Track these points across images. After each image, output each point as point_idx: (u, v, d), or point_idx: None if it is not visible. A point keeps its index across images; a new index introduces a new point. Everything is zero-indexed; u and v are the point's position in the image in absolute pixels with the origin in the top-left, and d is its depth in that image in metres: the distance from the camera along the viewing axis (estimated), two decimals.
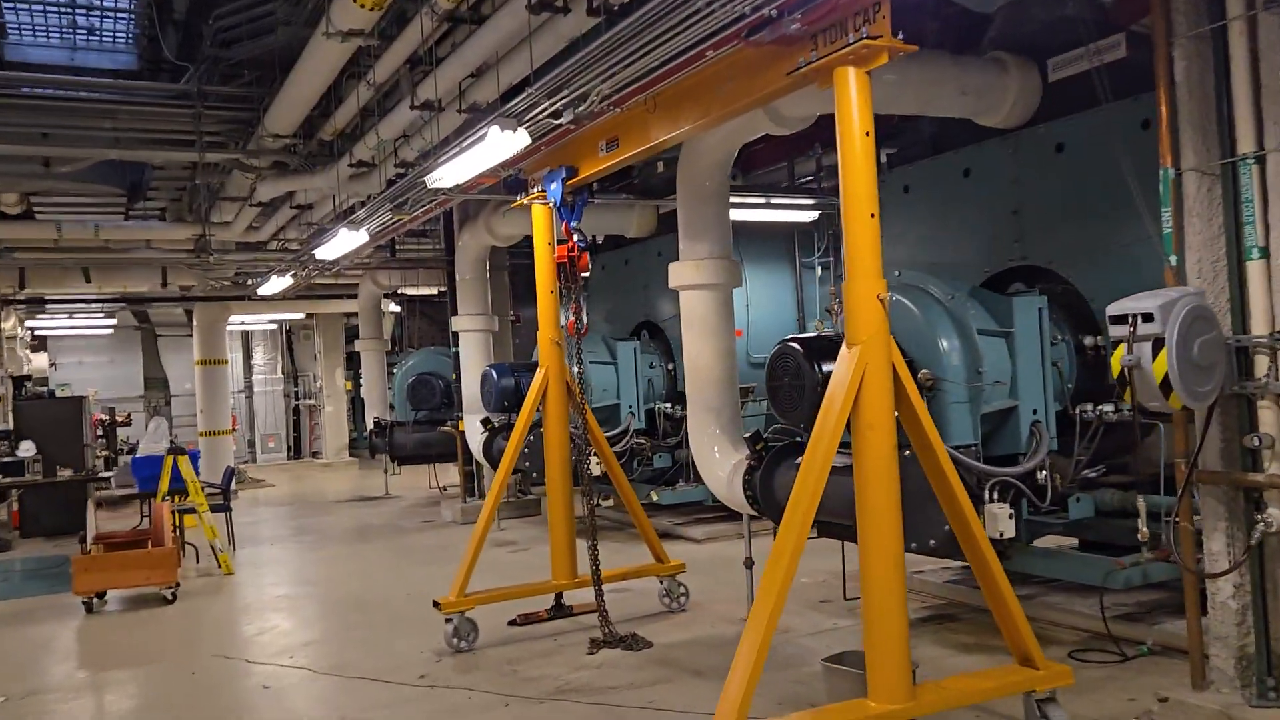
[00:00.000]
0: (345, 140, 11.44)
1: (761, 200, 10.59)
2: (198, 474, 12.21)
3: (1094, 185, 6.92)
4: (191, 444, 20.99)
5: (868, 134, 4.64)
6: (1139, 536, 4.80)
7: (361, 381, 29.13)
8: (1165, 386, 4.28)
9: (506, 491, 13.55)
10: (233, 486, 13.50)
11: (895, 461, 4.58)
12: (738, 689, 4.18)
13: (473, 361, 13.08)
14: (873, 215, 4.62)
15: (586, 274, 7.44)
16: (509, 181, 8.49)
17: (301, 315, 22.76)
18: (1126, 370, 4.35)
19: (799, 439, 7.15)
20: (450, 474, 17.64)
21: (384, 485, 17.81)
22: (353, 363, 25.23)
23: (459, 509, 13.77)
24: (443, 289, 17.23)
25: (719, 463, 7.75)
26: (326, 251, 11.17)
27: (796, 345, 6.40)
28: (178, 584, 9.76)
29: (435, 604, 7.38)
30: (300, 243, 14.80)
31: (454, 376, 14.26)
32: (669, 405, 11.89)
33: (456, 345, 13.96)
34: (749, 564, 7.81)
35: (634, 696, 6.12)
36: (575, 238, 7.42)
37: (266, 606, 9.41)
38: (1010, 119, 7.35)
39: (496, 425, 12.38)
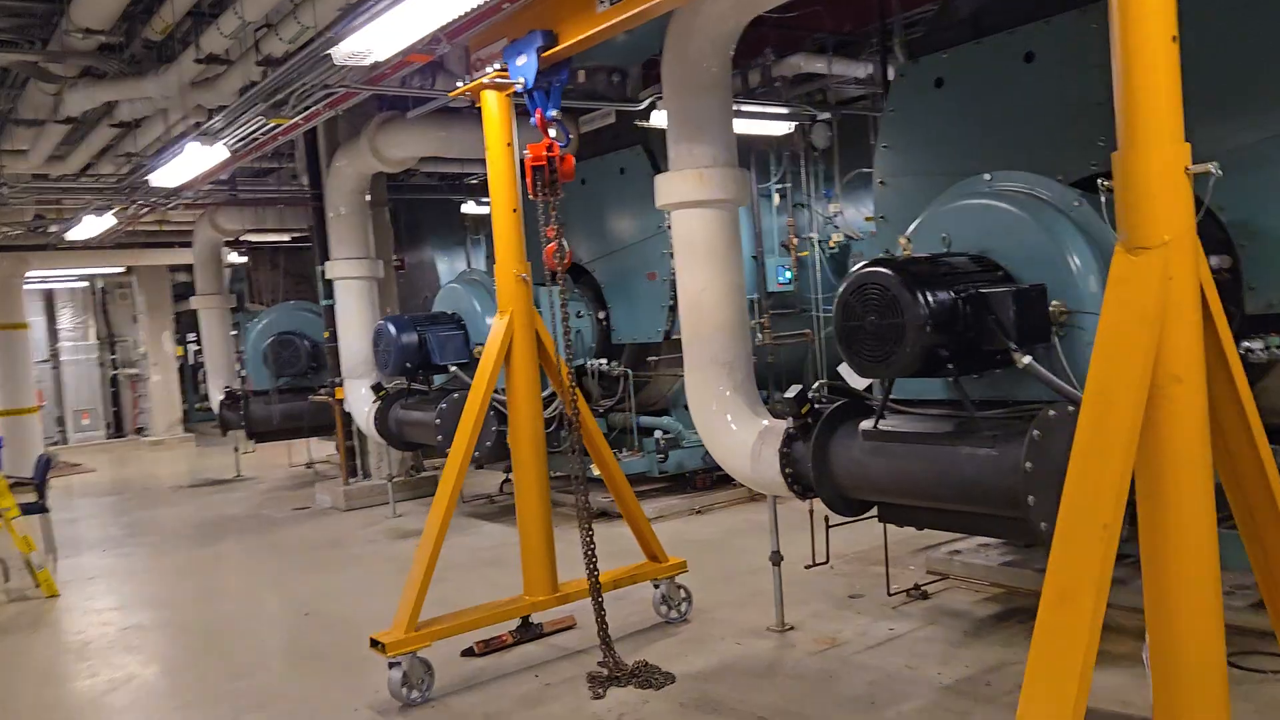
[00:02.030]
0: (176, 45, 8.91)
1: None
2: (0, 466, 9.52)
3: (1233, 60, 5.46)
4: None
5: None
6: None
7: (200, 345, 25.80)
8: None
9: (400, 469, 11.44)
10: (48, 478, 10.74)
11: (1207, 430, 2.92)
12: None
13: (354, 315, 10.80)
14: (1174, 39, 2.90)
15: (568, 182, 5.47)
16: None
17: (119, 269, 19.40)
18: None
19: (866, 399, 5.47)
20: (314, 449, 15.28)
21: (235, 465, 15.18)
22: (183, 324, 21.99)
23: (340, 492, 11.50)
24: (297, 233, 14.64)
25: (736, 434, 5.99)
26: (167, 175, 8.63)
27: (889, 271, 4.69)
28: None
29: (375, 644, 5.32)
30: (120, 178, 11.92)
31: (325, 334, 11.89)
32: (603, 361, 10.03)
33: (328, 297, 11.60)
34: (777, 559, 6.10)
35: None
36: (552, 133, 5.45)
37: (111, 643, 7.05)
38: None
39: (392, 392, 10.20)
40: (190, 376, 24.98)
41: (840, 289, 4.97)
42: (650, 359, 10.03)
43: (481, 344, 9.48)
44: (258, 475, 14.99)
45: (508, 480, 11.69)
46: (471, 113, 10.76)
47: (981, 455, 4.65)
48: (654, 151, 9.66)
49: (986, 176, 5.38)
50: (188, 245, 16.38)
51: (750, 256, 10.04)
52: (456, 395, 9.16)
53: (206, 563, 9.49)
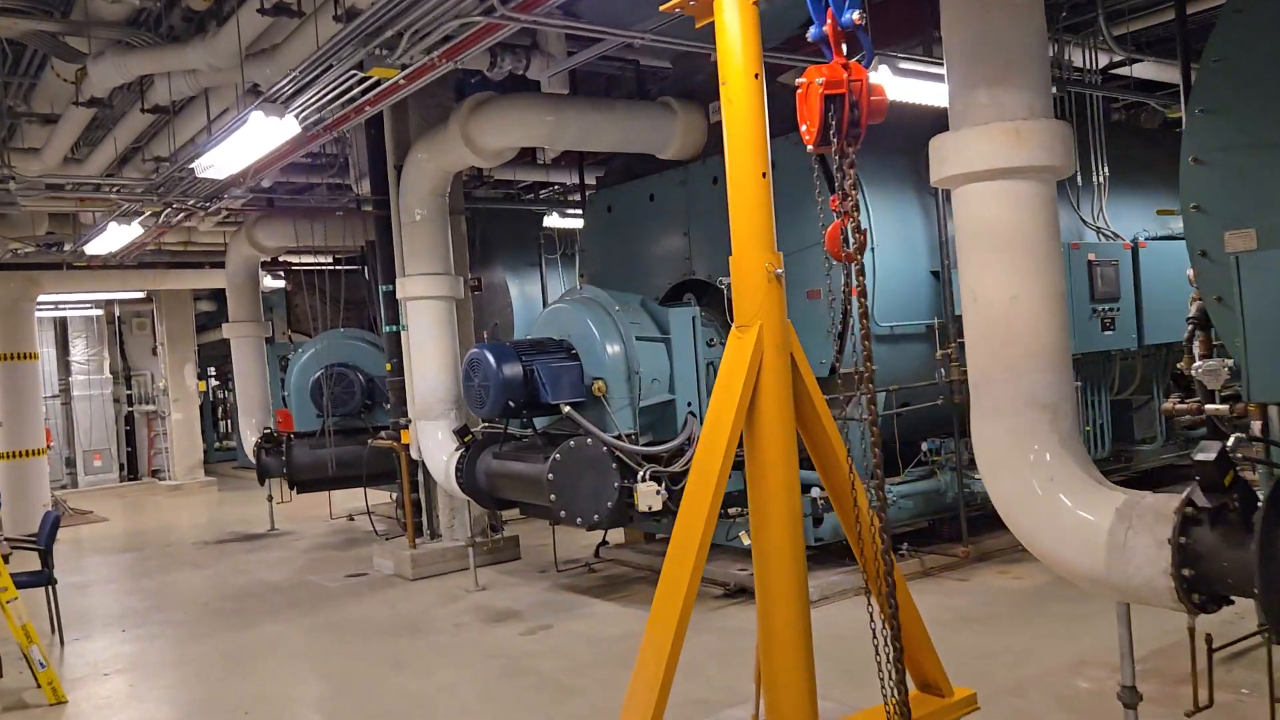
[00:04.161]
0: (223, 13, 7.16)
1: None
2: None
3: None
4: None
5: None
6: None
7: (221, 380, 24.00)
8: None
9: (474, 529, 9.48)
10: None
11: None
12: None
13: (431, 343, 8.94)
14: None
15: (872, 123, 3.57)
16: None
17: (139, 294, 17.57)
18: None
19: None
20: (355, 499, 13.33)
21: (268, 517, 13.23)
22: (205, 357, 20.17)
23: (406, 557, 9.51)
24: (342, 254, 12.82)
25: (1076, 513, 4.03)
26: (220, 159, 6.76)
27: None
28: None
29: None
30: (151, 175, 10.07)
31: (388, 367, 10.01)
32: None
33: (392, 322, 9.74)
34: (1132, 699, 4.11)
35: None
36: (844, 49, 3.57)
37: None
38: None
39: (480, 437, 8.28)
40: (209, 414, 23.17)
41: None
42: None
43: (600, 378, 7.61)
44: (294, 529, 13.05)
45: (604, 544, 9.73)
46: (582, 97, 8.98)
47: None
48: None
49: None
50: (217, 266, 14.63)
51: (929, 272, 8.13)
52: (573, 443, 7.25)
53: (253, 653, 7.50)
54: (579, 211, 11.42)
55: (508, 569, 9.56)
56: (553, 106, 7.98)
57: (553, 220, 11.98)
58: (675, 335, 7.82)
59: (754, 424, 3.85)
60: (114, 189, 9.58)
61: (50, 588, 7.98)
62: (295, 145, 6.91)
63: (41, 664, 6.45)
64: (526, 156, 11.79)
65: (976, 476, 8.56)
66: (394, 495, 12.65)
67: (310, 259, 13.81)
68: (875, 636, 3.65)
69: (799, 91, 3.58)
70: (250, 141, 6.27)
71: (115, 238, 10.25)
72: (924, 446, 8.33)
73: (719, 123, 9.06)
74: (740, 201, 3.87)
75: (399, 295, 9.05)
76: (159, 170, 10.19)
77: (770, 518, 3.85)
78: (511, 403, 7.45)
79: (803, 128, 3.61)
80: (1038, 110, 4.21)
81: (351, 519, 13.35)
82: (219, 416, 25.63)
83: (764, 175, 3.86)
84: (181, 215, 9.71)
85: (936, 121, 7.27)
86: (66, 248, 13.66)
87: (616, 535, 9.86)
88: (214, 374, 23.94)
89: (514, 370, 7.43)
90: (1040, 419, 4.19)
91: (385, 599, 8.81)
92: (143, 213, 9.44)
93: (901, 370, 8.01)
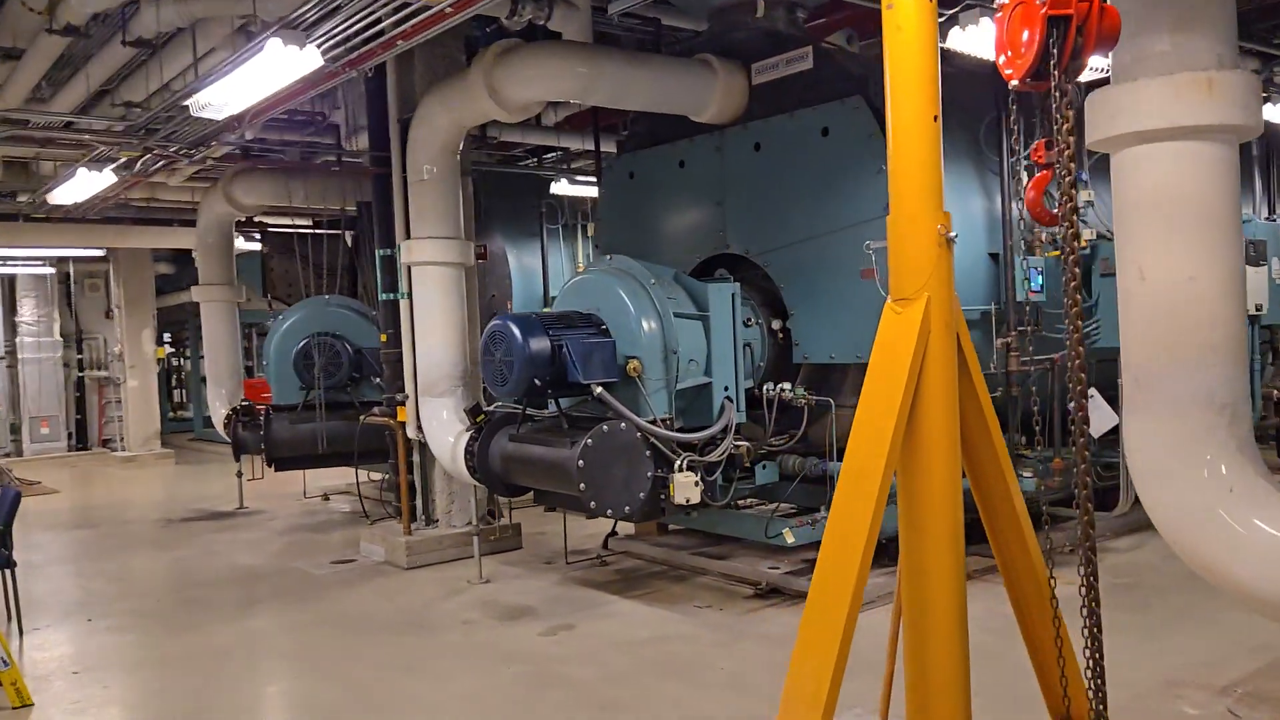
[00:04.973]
0: None
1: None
2: None
3: None
4: None
5: None
6: None
7: (188, 347, 22.79)
8: None
9: (472, 516, 8.78)
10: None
11: None
12: None
13: (438, 314, 8.22)
14: None
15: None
16: None
17: (97, 252, 16.44)
18: None
19: None
20: (324, 478, 12.63)
21: (236, 493, 12.37)
22: (161, 322, 19.06)
23: (400, 544, 8.78)
24: (320, 216, 11.94)
25: (1265, 532, 3.48)
26: (219, 97, 5.93)
27: None
28: None
29: None
30: (131, 119, 9.11)
31: (383, 338, 9.24)
32: (785, 386, 7.47)
33: (389, 289, 8.96)
34: None
35: None
36: None
37: None
38: None
39: (494, 417, 7.59)
40: (164, 382, 22.05)
41: None
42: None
43: (635, 357, 6.94)
44: (266, 508, 12.21)
45: (614, 534, 9.07)
46: (616, 49, 8.26)
47: None
48: (877, 105, 7.16)
49: None
50: (186, 224, 13.68)
51: (987, 254, 7.57)
52: (606, 427, 6.60)
53: (239, 651, 6.75)
54: (590, 178, 10.72)
55: (510, 559, 8.89)
56: (587, 57, 7.26)
57: (561, 187, 11.23)
58: (714, 313, 7.16)
59: (914, 419, 3.22)
60: (89, 130, 8.63)
61: (9, 572, 7.15)
62: (308, 84, 6.12)
63: (4, 662, 5.66)
64: (531, 118, 11.05)
65: (1025, 474, 8.14)
66: (373, 475, 11.91)
67: (289, 221, 12.92)
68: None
69: (999, 15, 2.95)
70: (263, 75, 5.47)
71: (83, 186, 9.32)
72: None
73: (762, 84, 8.40)
74: (905, 150, 3.23)
75: (403, 260, 8.29)
76: (128, 116, 9.28)
77: (928, 533, 3.25)
78: (538, 381, 6.76)
79: (1001, 58, 2.98)
80: (1227, 62, 3.63)
81: (326, 499, 12.59)
82: (174, 385, 24.53)
83: (935, 119, 3.22)
84: (162, 163, 8.81)
85: (995, 87, 6.65)
86: (22, 198, 12.64)
87: (624, 526, 9.23)
88: (169, 340, 22.81)
89: (541, 345, 6.73)
90: (1217, 421, 3.63)
91: (381, 589, 8.09)
92: (118, 159, 8.53)
93: None
